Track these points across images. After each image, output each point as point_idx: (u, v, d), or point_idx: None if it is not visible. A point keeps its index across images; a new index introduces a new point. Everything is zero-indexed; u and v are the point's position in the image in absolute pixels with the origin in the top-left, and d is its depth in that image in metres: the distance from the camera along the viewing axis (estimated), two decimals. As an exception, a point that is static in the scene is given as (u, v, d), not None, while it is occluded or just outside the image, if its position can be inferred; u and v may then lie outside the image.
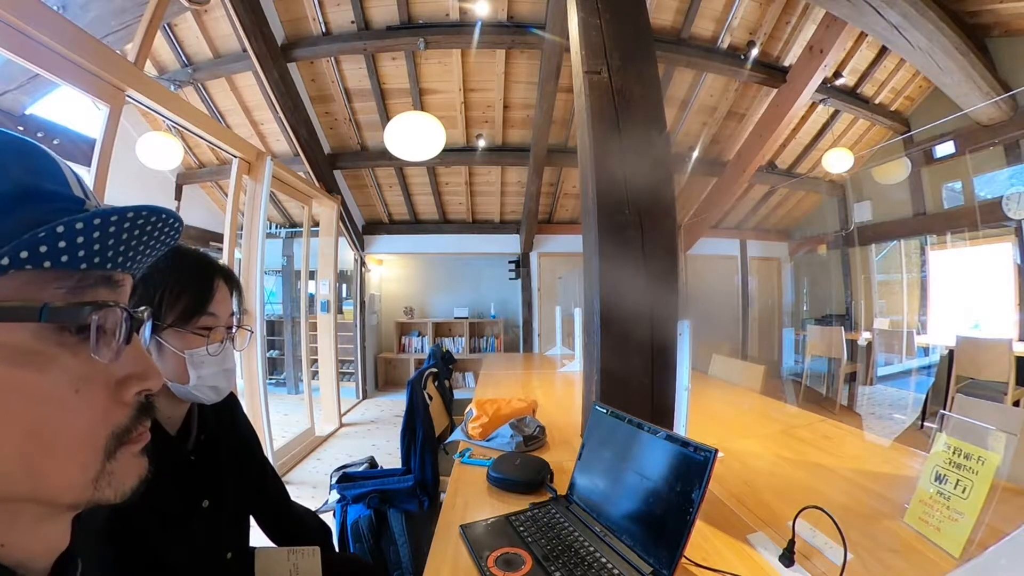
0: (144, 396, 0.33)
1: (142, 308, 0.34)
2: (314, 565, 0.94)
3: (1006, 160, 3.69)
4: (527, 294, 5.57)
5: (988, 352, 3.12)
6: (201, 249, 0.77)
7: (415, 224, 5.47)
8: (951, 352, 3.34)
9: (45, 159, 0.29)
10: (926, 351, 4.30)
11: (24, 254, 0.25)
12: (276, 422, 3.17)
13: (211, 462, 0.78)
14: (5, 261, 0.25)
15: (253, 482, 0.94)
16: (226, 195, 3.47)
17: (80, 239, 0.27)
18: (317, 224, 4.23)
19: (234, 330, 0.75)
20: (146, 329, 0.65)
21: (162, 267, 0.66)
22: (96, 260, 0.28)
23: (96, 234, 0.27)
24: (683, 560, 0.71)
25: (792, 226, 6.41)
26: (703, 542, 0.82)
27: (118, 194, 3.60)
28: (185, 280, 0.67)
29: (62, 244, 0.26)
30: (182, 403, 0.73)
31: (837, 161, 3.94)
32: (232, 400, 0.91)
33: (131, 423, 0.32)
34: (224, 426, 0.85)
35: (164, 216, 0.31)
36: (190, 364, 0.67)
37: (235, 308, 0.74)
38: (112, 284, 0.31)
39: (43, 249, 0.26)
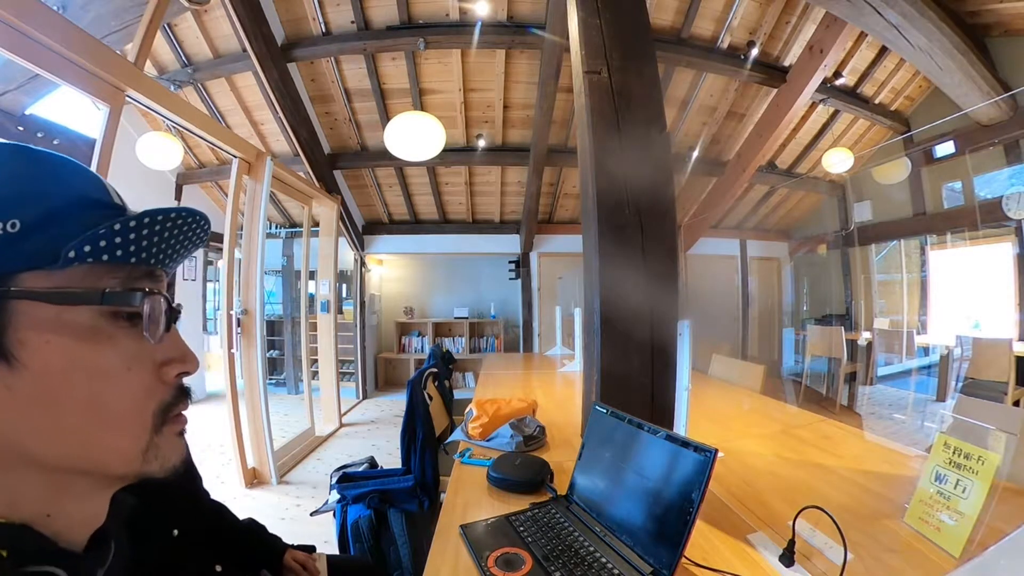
0: (181, 379, 0.37)
1: (178, 303, 0.39)
2: (320, 569, 0.95)
3: (1006, 160, 3.69)
4: (527, 294, 5.56)
5: (988, 352, 3.12)
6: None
7: (415, 224, 5.47)
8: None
9: (93, 176, 0.36)
10: (926, 351, 4.30)
11: (87, 248, 0.31)
12: (276, 422, 3.17)
13: (165, 488, 0.77)
14: (72, 254, 0.30)
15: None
16: (226, 195, 3.47)
17: (132, 236, 0.32)
18: (317, 224, 4.23)
19: None
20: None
21: None
22: (143, 255, 0.33)
23: (144, 231, 0.33)
24: (683, 560, 0.71)
25: (792, 226, 6.40)
26: (703, 542, 0.82)
27: (118, 194, 3.61)
28: None
29: (117, 240, 0.32)
30: None
31: (837, 161, 3.93)
32: None
33: (173, 400, 0.36)
34: None
35: (197, 217, 0.36)
36: None
37: None
38: (154, 278, 0.36)
39: (102, 244, 0.31)
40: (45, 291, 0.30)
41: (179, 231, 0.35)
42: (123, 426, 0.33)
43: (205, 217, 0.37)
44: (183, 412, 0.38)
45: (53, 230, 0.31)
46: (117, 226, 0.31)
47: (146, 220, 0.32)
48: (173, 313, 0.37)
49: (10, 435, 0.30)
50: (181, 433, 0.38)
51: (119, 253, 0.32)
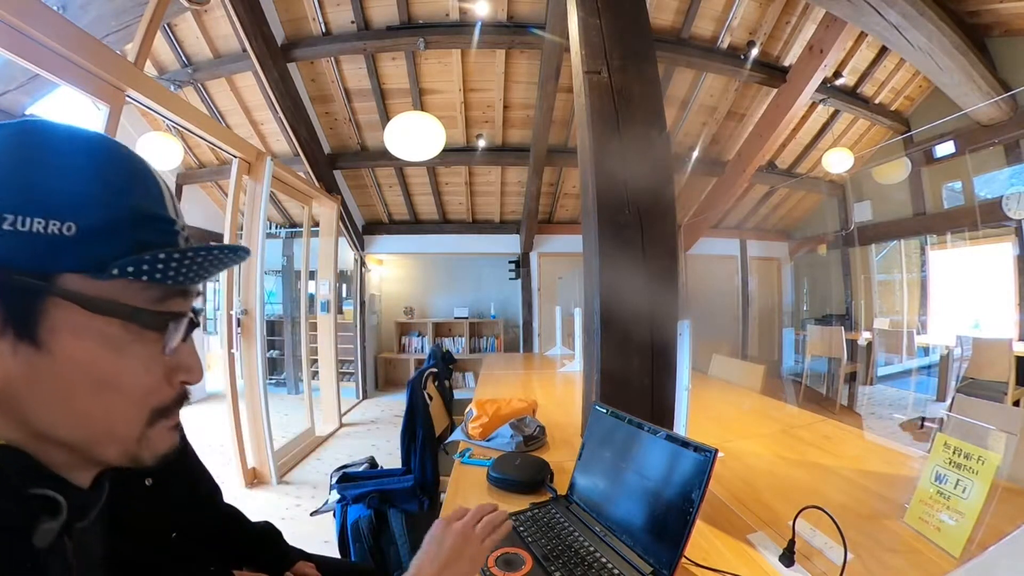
0: (184, 387, 0.40)
1: (200, 310, 0.41)
2: None
3: (1006, 160, 3.69)
4: (527, 294, 5.56)
5: (988, 352, 3.12)
6: None
7: (415, 224, 5.47)
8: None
9: (154, 183, 0.37)
10: (926, 351, 4.30)
11: (131, 268, 0.32)
12: (276, 422, 3.17)
13: (169, 488, 0.76)
14: (116, 271, 0.32)
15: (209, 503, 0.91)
16: (226, 195, 3.46)
17: (174, 264, 0.34)
18: (317, 224, 4.23)
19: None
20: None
21: None
22: (180, 279, 0.35)
23: (186, 262, 0.34)
24: (683, 560, 0.71)
25: (792, 226, 6.40)
26: (703, 542, 0.82)
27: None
28: None
29: (160, 266, 0.33)
30: None
31: (837, 161, 3.93)
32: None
33: (172, 404, 0.38)
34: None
35: (238, 252, 0.38)
36: None
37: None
38: (185, 295, 0.38)
39: (145, 267, 0.33)
40: (85, 298, 0.32)
41: (217, 260, 0.36)
42: (124, 418, 0.35)
43: (245, 250, 0.38)
44: (178, 415, 0.40)
45: (105, 241, 0.32)
46: (162, 255, 0.33)
47: (189, 255, 0.34)
48: (192, 325, 0.39)
49: (17, 402, 0.31)
50: (175, 427, 0.39)
51: (158, 276, 0.33)
